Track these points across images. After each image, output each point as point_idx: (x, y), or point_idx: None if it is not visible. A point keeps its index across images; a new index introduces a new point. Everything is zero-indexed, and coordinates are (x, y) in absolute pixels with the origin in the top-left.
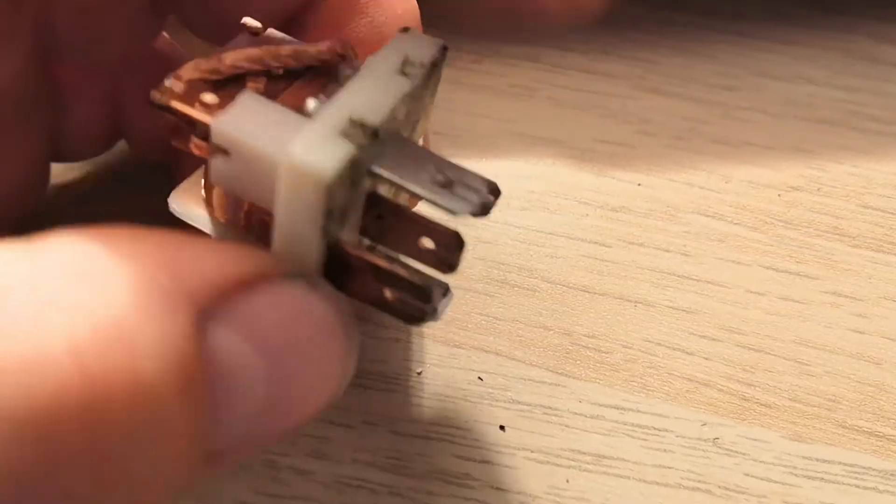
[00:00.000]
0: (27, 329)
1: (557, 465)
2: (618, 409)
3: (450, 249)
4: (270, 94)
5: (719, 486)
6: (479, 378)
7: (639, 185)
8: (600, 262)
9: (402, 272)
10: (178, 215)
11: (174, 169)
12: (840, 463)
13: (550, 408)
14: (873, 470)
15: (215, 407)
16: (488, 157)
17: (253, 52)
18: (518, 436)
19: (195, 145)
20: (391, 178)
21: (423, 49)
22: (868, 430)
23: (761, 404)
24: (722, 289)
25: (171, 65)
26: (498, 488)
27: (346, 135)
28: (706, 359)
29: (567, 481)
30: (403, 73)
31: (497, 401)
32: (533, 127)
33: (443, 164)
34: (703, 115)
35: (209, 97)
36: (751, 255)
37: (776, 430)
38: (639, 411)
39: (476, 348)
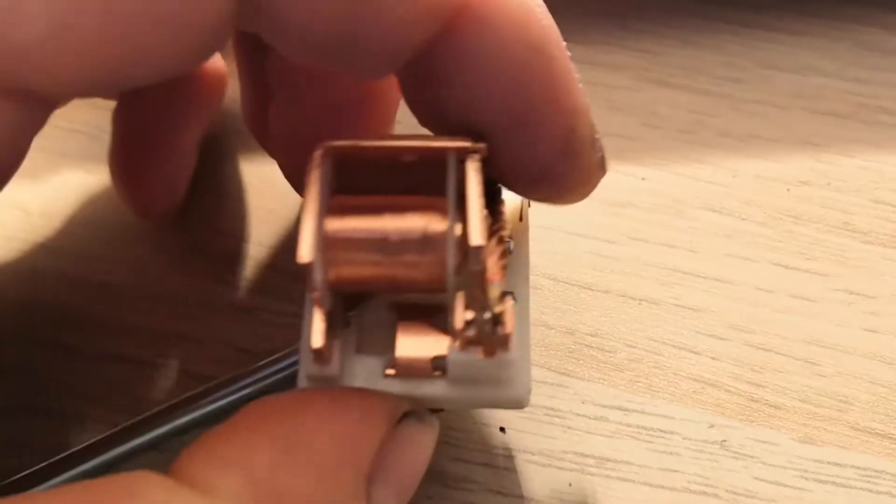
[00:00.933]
0: None
1: (560, 468)
2: (622, 410)
3: None
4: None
5: (727, 490)
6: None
7: (643, 179)
8: (604, 259)
9: None
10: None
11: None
12: (852, 466)
13: (552, 409)
14: (887, 474)
15: None
16: None
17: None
18: (519, 438)
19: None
20: None
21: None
22: (881, 433)
23: (771, 405)
24: (729, 286)
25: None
26: (498, 492)
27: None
28: (713, 358)
29: (570, 485)
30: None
31: None
32: None
33: None
34: (709, 107)
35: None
36: (759, 252)
37: (786, 433)
38: (644, 412)
39: None
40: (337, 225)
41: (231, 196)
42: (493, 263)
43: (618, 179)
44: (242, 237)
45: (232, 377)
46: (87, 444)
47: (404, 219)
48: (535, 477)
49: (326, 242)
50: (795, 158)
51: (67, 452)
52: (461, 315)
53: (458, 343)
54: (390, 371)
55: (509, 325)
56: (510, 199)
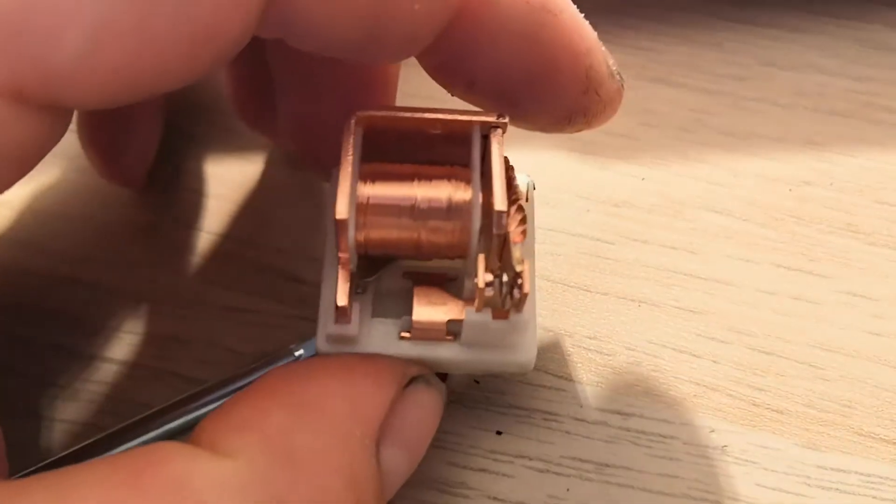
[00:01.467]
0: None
1: (558, 473)
2: (621, 414)
3: None
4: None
5: (728, 497)
6: (476, 381)
7: (643, 179)
8: (602, 260)
9: None
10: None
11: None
12: (856, 472)
13: (550, 413)
14: (891, 479)
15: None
16: None
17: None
18: (516, 442)
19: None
20: None
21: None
22: (886, 438)
23: (773, 410)
24: (730, 288)
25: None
26: (495, 498)
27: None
28: (714, 362)
29: (567, 490)
30: None
31: (494, 405)
32: None
33: None
34: (709, 105)
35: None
36: (761, 253)
37: (789, 438)
38: (643, 417)
39: None
40: (369, 190)
41: (220, 195)
42: (514, 228)
43: (617, 179)
44: (231, 236)
45: (223, 380)
46: (76, 448)
47: (431, 187)
48: (532, 482)
49: (359, 205)
50: (797, 158)
51: (57, 457)
52: (483, 275)
53: (476, 303)
54: (405, 334)
55: (527, 285)
56: (517, 180)
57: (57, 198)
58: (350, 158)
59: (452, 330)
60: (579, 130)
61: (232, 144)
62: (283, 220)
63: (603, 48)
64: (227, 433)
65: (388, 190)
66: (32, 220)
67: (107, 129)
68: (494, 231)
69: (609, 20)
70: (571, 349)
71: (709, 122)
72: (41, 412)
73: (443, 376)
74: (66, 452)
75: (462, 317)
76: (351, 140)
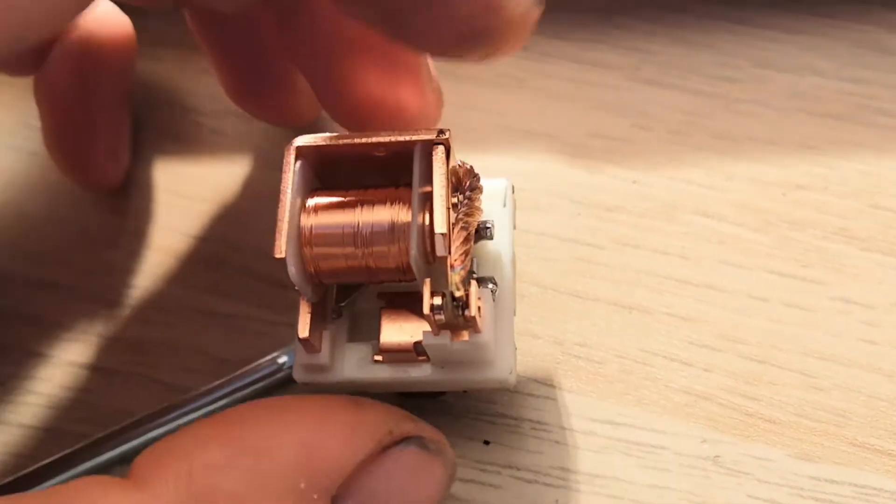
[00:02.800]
0: None
1: (547, 484)
2: (611, 424)
3: None
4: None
5: None
6: (463, 390)
7: (634, 182)
8: (593, 266)
9: None
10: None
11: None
12: (850, 483)
13: (539, 422)
14: (885, 491)
15: None
16: (474, 152)
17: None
18: (504, 452)
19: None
20: None
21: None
22: (880, 449)
23: (765, 420)
24: (723, 294)
25: None
26: None
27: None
28: (706, 370)
29: (556, 502)
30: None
31: (482, 414)
32: (522, 120)
33: None
34: (702, 108)
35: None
36: (754, 259)
37: (781, 448)
38: (634, 427)
39: None
40: (312, 221)
41: (203, 197)
42: (454, 250)
43: (607, 183)
44: (214, 240)
45: (208, 389)
46: (56, 457)
47: (374, 211)
48: (520, 493)
49: (303, 238)
50: (791, 162)
51: (36, 466)
52: (428, 300)
53: (431, 328)
54: (378, 357)
55: (473, 307)
56: (492, 185)
57: (33, 199)
58: (288, 193)
59: (422, 351)
60: (485, 59)
61: (216, 145)
62: (266, 224)
63: None
64: (156, 466)
65: (331, 218)
66: (8, 222)
67: (70, 135)
68: (437, 253)
69: (602, 20)
70: (561, 357)
71: (702, 125)
72: (19, 420)
73: (438, 393)
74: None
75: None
76: (289, 174)
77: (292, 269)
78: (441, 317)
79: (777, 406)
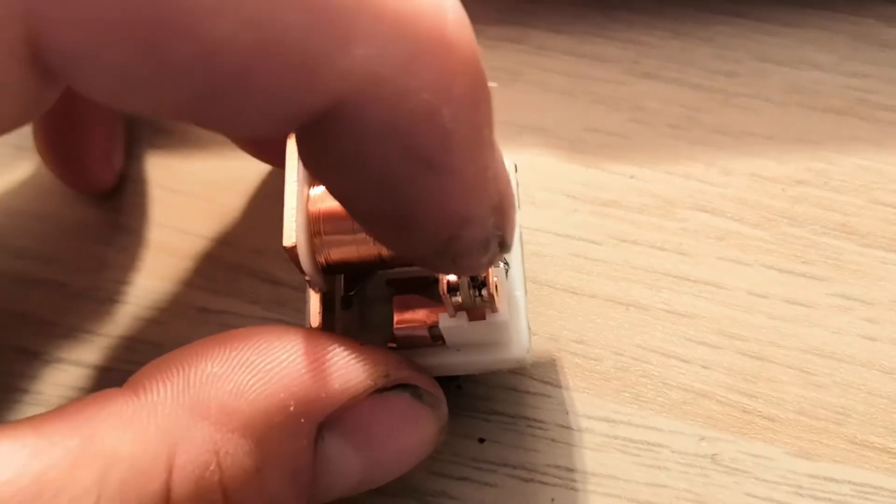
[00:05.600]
0: None
1: (543, 482)
2: (608, 421)
3: None
4: None
5: None
6: (458, 387)
7: (632, 177)
8: (590, 262)
9: None
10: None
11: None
12: (849, 482)
13: (535, 420)
14: (885, 490)
15: (318, 492)
16: None
17: None
18: (500, 450)
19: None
20: None
21: None
22: (880, 447)
23: (764, 417)
24: (721, 291)
25: None
26: None
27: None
28: (704, 367)
29: (553, 500)
30: None
31: (477, 411)
32: (517, 114)
33: None
34: (701, 102)
35: None
36: (753, 255)
37: (780, 446)
38: (631, 424)
39: None
40: (320, 210)
41: (196, 193)
42: None
43: (605, 178)
44: (207, 236)
45: None
46: None
47: None
48: (516, 492)
49: (312, 228)
50: (791, 157)
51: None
52: (444, 281)
53: (447, 309)
54: (392, 344)
55: (491, 286)
56: None
57: (25, 195)
58: (294, 181)
59: (437, 335)
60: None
61: (209, 141)
62: (261, 220)
63: (491, 220)
64: (155, 375)
65: (339, 207)
66: (0, 218)
67: (63, 139)
68: None
69: (599, 12)
70: (557, 354)
71: (700, 120)
72: (9, 418)
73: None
74: None
75: (438, 321)
76: (294, 161)
77: (304, 259)
78: (458, 298)
79: (776, 403)
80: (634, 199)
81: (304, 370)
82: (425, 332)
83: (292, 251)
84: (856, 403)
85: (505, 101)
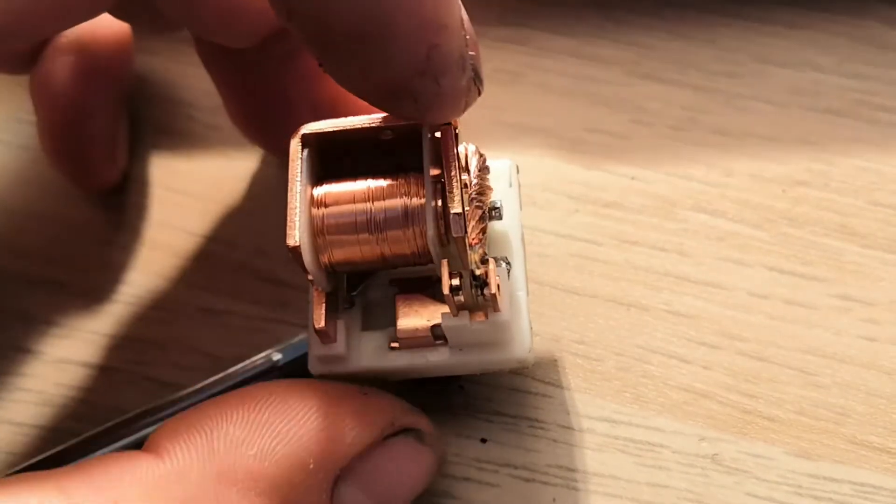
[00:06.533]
0: None
1: (544, 482)
2: (609, 422)
3: None
4: None
5: None
6: (460, 387)
7: (633, 178)
8: (591, 262)
9: None
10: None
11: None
12: (849, 482)
13: (537, 420)
14: (885, 489)
15: None
16: None
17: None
18: (501, 450)
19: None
20: None
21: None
22: (880, 447)
23: (764, 417)
24: (722, 291)
25: None
26: None
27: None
28: (705, 368)
29: (554, 500)
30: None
31: (479, 412)
32: (519, 115)
33: None
34: (702, 103)
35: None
36: (753, 256)
37: (780, 446)
38: (632, 424)
39: None
40: (323, 210)
41: (199, 194)
42: (471, 229)
43: (606, 179)
44: (210, 237)
45: (202, 386)
46: (47, 454)
47: (386, 196)
48: (518, 492)
49: (315, 228)
50: (791, 158)
51: (28, 463)
52: (447, 281)
53: (449, 309)
54: (395, 344)
55: (493, 285)
56: (497, 166)
57: (25, 195)
58: (297, 182)
59: (439, 334)
60: (411, 117)
61: (212, 141)
62: (264, 221)
63: (468, 36)
64: (179, 439)
65: (343, 207)
66: (1, 217)
67: (67, 137)
68: (453, 234)
69: (601, 14)
70: (559, 354)
71: (701, 121)
72: (10, 417)
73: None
74: (36, 459)
75: (441, 321)
76: (297, 161)
77: (307, 258)
78: (461, 297)
79: (776, 404)
80: (635, 199)
81: (319, 428)
82: (428, 332)
83: (295, 251)
84: (856, 404)
85: (506, 103)
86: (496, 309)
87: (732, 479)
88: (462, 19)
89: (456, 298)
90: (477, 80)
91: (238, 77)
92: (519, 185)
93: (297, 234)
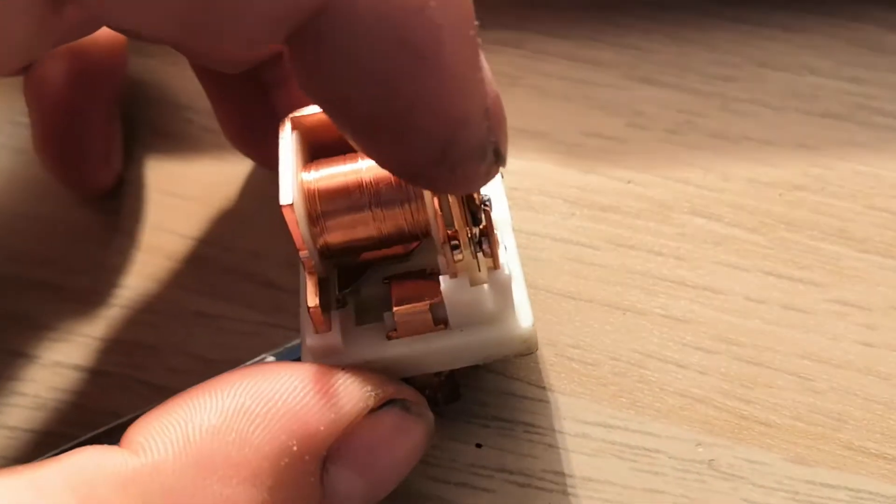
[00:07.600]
0: None
1: (539, 488)
2: (605, 427)
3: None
4: None
5: None
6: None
7: (629, 182)
8: (587, 266)
9: None
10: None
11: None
12: (845, 488)
13: (532, 425)
14: (881, 496)
15: None
16: None
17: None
18: (497, 456)
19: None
20: None
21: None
22: (876, 453)
23: (761, 423)
24: (718, 296)
25: None
26: None
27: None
28: (701, 373)
29: None
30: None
31: (475, 417)
32: (515, 118)
33: None
34: (699, 107)
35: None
36: (750, 260)
37: (777, 452)
38: (628, 430)
39: None
40: (316, 188)
41: (193, 197)
42: None
43: (602, 183)
44: (204, 240)
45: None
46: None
47: (378, 171)
48: (513, 497)
49: (307, 194)
50: (789, 162)
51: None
52: (443, 231)
53: (448, 268)
54: (392, 333)
55: (493, 235)
56: None
57: (21, 197)
58: (289, 152)
59: (439, 317)
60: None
61: (208, 144)
62: (258, 224)
63: (486, 124)
64: (152, 433)
65: (335, 179)
66: None
67: (61, 140)
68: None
69: (597, 17)
70: (554, 359)
71: (698, 124)
72: (3, 421)
73: (455, 395)
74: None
75: (440, 294)
76: (286, 140)
77: (300, 219)
78: (459, 255)
79: (772, 409)
80: (632, 203)
81: (298, 408)
82: (426, 311)
83: (288, 210)
84: (852, 409)
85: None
86: (496, 265)
87: (728, 484)
88: (486, 108)
89: (455, 255)
90: (499, 159)
91: (231, 94)
92: (502, 176)
93: (289, 192)
